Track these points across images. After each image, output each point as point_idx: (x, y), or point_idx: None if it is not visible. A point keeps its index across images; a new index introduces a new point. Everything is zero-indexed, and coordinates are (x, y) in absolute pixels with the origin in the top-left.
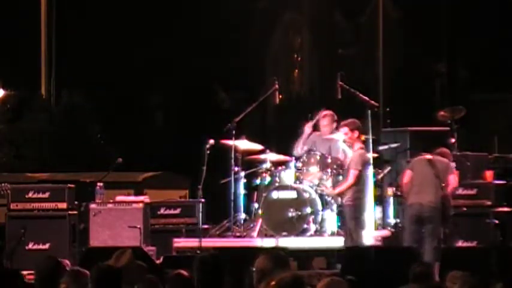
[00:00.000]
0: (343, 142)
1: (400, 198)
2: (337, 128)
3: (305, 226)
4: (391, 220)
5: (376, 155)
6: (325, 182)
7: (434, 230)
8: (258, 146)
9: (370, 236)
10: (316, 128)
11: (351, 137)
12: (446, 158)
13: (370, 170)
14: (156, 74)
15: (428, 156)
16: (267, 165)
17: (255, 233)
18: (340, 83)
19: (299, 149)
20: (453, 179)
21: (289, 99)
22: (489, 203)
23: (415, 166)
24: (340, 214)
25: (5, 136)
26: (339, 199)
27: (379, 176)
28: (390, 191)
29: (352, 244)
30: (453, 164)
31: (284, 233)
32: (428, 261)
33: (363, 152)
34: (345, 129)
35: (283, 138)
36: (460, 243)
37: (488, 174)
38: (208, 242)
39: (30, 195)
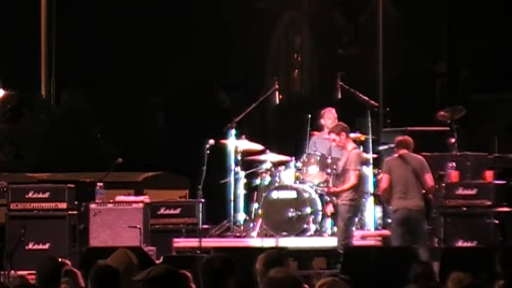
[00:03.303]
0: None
1: (378, 198)
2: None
3: (305, 226)
4: (391, 220)
5: (376, 155)
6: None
7: (423, 229)
8: (258, 146)
9: (367, 236)
10: (317, 128)
11: (339, 141)
12: (409, 147)
13: (369, 170)
14: (156, 74)
15: (400, 153)
16: (267, 165)
17: (255, 233)
18: (340, 83)
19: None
20: (429, 179)
21: (289, 99)
22: (489, 203)
23: (391, 169)
24: (335, 213)
25: (5, 136)
26: (334, 199)
27: (379, 176)
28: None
29: (343, 243)
30: (422, 158)
31: (284, 233)
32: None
33: (359, 151)
34: (332, 136)
35: (283, 138)
36: (460, 243)
37: (488, 174)
38: (208, 242)
39: (30, 195)
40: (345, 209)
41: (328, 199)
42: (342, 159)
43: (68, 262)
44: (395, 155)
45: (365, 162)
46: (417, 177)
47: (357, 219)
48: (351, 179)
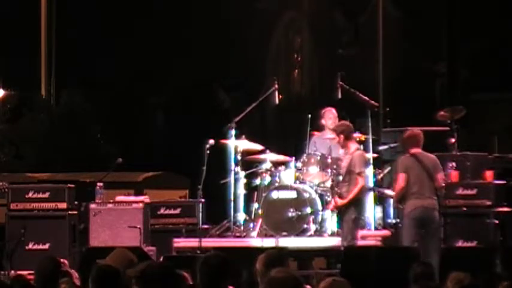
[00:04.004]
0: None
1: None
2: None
3: (305, 226)
4: (391, 220)
5: (376, 155)
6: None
7: (437, 230)
8: (258, 146)
9: (367, 236)
10: (317, 128)
11: (338, 141)
12: (419, 143)
13: (370, 170)
14: (156, 74)
15: (413, 152)
16: (267, 165)
17: (255, 233)
18: (340, 83)
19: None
20: (441, 178)
21: (289, 99)
22: (489, 203)
23: (408, 168)
24: (339, 214)
25: (5, 136)
26: (338, 200)
27: (379, 176)
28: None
29: (348, 244)
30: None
31: (284, 233)
32: (431, 261)
33: (362, 152)
34: (334, 135)
35: (283, 138)
36: (460, 243)
37: (488, 174)
38: (208, 242)
39: (30, 195)
40: (349, 210)
41: (330, 198)
42: (345, 160)
43: (66, 262)
44: (408, 154)
45: (368, 162)
46: (431, 176)
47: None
48: (359, 181)
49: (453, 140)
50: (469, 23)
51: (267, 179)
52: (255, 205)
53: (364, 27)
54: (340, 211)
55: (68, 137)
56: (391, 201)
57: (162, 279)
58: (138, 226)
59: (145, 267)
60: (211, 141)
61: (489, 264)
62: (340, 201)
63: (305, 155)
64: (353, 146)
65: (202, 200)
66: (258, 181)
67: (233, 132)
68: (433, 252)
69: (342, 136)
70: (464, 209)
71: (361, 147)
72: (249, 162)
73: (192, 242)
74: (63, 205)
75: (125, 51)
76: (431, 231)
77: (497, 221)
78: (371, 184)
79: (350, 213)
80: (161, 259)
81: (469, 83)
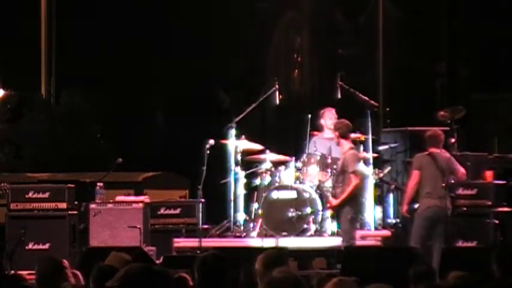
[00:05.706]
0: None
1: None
2: None
3: (305, 226)
4: (391, 220)
5: (376, 155)
6: (330, 193)
7: (443, 230)
8: (258, 146)
9: (367, 236)
10: (316, 128)
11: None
12: (439, 144)
13: (369, 170)
14: (157, 74)
15: (430, 151)
16: (267, 165)
17: (255, 233)
18: (340, 83)
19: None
20: (461, 168)
21: (289, 99)
22: (489, 203)
23: (422, 166)
24: (336, 215)
25: (5, 136)
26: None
27: (379, 176)
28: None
29: (347, 244)
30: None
31: (284, 233)
32: (433, 261)
33: (354, 151)
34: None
35: (283, 138)
36: (460, 243)
37: (488, 174)
38: (208, 242)
39: (30, 195)
40: (347, 210)
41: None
42: (340, 160)
43: (66, 262)
44: (425, 152)
45: (362, 161)
46: (444, 177)
47: (358, 219)
48: (353, 181)
49: (453, 140)
50: (469, 23)
51: (267, 179)
52: (255, 205)
53: (364, 27)
54: (337, 211)
55: (68, 137)
56: (391, 201)
57: (142, 283)
58: (138, 226)
59: (123, 274)
60: (211, 141)
61: (488, 264)
62: (334, 202)
63: (305, 155)
64: (346, 145)
65: (202, 200)
66: (258, 181)
67: (233, 132)
68: (436, 252)
69: (336, 134)
70: (464, 209)
71: (361, 147)
72: (249, 162)
73: (192, 242)
74: (63, 205)
75: (125, 51)
76: (439, 231)
77: (497, 221)
78: (371, 184)
79: (346, 213)
80: (161, 259)
81: (469, 83)
